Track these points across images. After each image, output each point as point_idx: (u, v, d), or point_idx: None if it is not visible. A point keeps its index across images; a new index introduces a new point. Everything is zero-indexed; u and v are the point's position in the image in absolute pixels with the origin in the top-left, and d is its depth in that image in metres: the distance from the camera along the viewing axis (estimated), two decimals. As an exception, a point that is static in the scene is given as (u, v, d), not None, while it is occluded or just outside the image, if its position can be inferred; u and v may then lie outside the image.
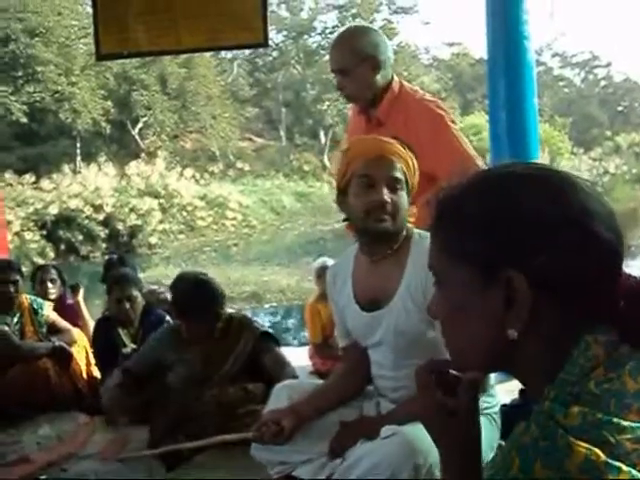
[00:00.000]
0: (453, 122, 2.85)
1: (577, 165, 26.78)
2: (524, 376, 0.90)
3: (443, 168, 2.68)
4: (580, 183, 0.88)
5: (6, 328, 3.57)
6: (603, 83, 48.11)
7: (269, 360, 2.98)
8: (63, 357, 3.60)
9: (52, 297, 4.38)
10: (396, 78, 2.90)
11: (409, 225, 2.20)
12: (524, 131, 3.99)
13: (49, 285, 4.44)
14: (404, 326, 2.12)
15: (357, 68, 2.78)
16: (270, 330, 3.21)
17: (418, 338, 2.10)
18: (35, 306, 3.78)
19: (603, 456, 0.71)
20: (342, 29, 3.03)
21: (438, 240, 0.92)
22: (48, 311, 3.84)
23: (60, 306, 4.24)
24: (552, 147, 23.98)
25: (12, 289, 3.65)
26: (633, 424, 0.73)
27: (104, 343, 3.60)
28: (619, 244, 0.86)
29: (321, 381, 2.73)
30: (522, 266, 0.82)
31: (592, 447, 0.71)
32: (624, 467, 0.70)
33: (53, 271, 4.58)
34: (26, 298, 3.79)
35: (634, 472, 0.70)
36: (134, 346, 3.49)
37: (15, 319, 3.70)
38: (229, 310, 3.18)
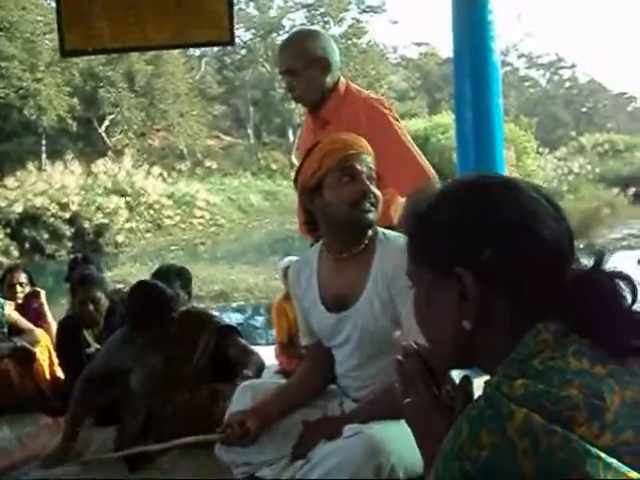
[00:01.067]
0: (397, 120, 2.87)
1: (542, 164, 27.05)
2: (485, 365, 0.97)
3: (388, 167, 2.71)
4: (526, 187, 0.97)
5: None
6: (568, 84, 48.79)
7: (234, 351, 2.95)
8: (25, 357, 3.55)
9: (19, 300, 4.33)
10: (342, 79, 2.93)
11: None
12: (490, 130, 4.03)
13: (18, 288, 4.39)
14: (371, 325, 2.13)
15: (307, 69, 2.81)
16: (229, 323, 3.18)
17: (384, 337, 2.11)
18: None
19: (541, 420, 0.77)
20: (291, 32, 3.06)
21: (408, 248, 1.05)
22: (9, 311, 3.78)
23: (26, 309, 4.18)
24: (518, 146, 24.17)
25: None
26: (571, 394, 0.80)
27: (68, 343, 3.55)
28: (565, 243, 0.94)
29: (284, 380, 2.73)
30: (470, 265, 0.93)
31: (531, 412, 0.78)
32: (559, 430, 0.77)
33: (22, 274, 4.52)
34: None
35: (570, 435, 0.76)
36: (98, 346, 3.45)
37: None
38: (184, 307, 3.15)
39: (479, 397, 0.86)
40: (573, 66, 49.96)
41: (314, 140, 2.86)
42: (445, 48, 40.95)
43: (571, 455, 0.75)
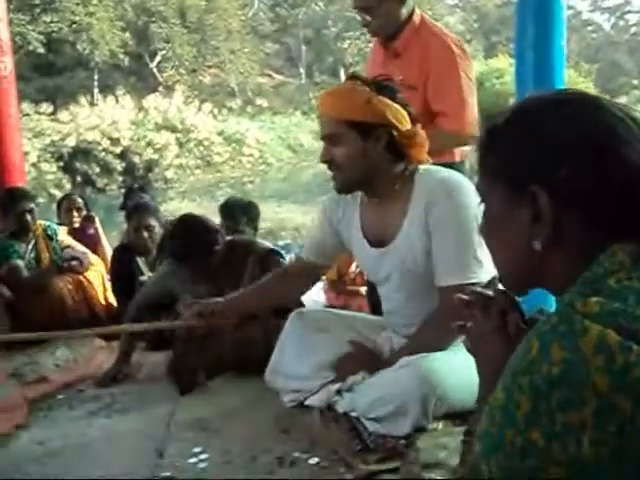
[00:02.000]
0: (466, 61, 2.82)
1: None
2: (553, 287, 0.95)
3: (442, 105, 2.72)
4: (611, 106, 0.93)
5: (19, 262, 3.60)
6: (634, 30, 46.85)
7: None
8: (75, 275, 3.66)
9: (76, 225, 4.43)
10: (417, 11, 2.88)
11: (422, 159, 2.16)
12: (550, 73, 3.90)
13: (74, 214, 4.49)
14: (410, 262, 2.13)
15: (382, 4, 2.77)
16: (274, 247, 3.18)
17: (426, 274, 2.12)
18: (49, 232, 3.80)
19: (617, 336, 0.76)
20: None
21: (480, 164, 1.01)
22: (63, 236, 3.86)
23: (81, 235, 4.28)
24: (576, 94, 23.50)
25: (29, 217, 3.67)
26: None
27: (122, 271, 3.63)
28: None
29: (339, 310, 2.77)
30: (545, 183, 0.90)
31: (606, 329, 0.76)
32: (635, 347, 0.75)
33: (79, 200, 4.62)
34: (40, 224, 3.81)
35: None
36: (151, 274, 3.53)
37: (30, 246, 3.73)
38: (229, 237, 3.18)
39: (551, 313, 0.84)
40: None
41: (383, 72, 2.84)
42: (505, -11, 39.59)
43: None
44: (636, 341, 0.75)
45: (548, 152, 0.91)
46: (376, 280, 2.37)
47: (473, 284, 1.97)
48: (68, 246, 3.84)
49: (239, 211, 3.87)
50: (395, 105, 2.08)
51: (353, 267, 3.99)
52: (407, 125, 2.09)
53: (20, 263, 3.62)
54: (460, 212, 2.03)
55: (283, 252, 3.21)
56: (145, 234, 3.55)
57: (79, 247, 3.90)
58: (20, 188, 3.99)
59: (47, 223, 3.89)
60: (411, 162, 2.14)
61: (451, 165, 2.70)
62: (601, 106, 0.93)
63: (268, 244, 3.24)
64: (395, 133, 2.07)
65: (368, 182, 2.14)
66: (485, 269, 2.00)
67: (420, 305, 2.18)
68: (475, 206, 2.04)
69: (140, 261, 3.59)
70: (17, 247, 3.68)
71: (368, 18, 2.81)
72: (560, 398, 0.75)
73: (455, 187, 2.08)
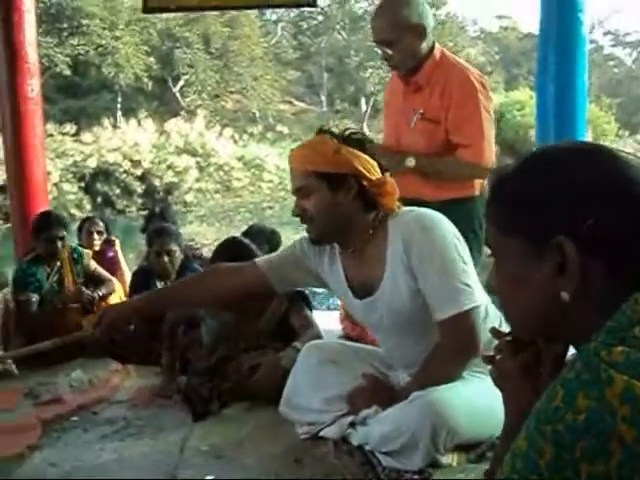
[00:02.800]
0: (487, 98, 2.84)
1: (622, 147, 26.18)
2: (577, 338, 0.93)
3: (461, 137, 2.75)
4: (623, 155, 0.94)
5: (32, 295, 3.61)
6: (655, 64, 46.83)
7: (297, 320, 2.98)
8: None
9: (96, 248, 4.46)
10: (437, 45, 2.91)
11: (394, 207, 2.16)
12: (572, 107, 3.91)
13: (95, 237, 4.51)
14: (398, 306, 2.14)
15: (403, 38, 2.78)
16: (302, 290, 3.21)
17: (417, 316, 2.13)
18: (75, 255, 3.81)
19: None
20: None
21: (492, 217, 1.00)
22: (88, 261, 3.86)
23: (101, 258, 4.30)
24: (597, 128, 23.48)
25: (59, 244, 3.70)
26: None
27: (140, 293, 3.63)
28: None
29: (353, 343, 2.75)
30: (571, 233, 0.89)
31: (632, 380, 0.76)
32: None
33: (100, 223, 4.65)
34: (66, 247, 3.82)
35: None
36: None
37: (55, 269, 3.75)
38: None
39: (575, 361, 0.84)
40: (661, 46, 47.85)
41: (404, 105, 2.86)
42: (526, 22, 39.88)
43: None
44: None
45: (572, 202, 0.90)
46: (369, 327, 2.40)
47: (470, 309, 2.01)
48: (93, 271, 3.85)
49: (262, 239, 3.86)
50: (364, 155, 2.11)
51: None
52: (377, 174, 2.12)
53: (33, 297, 3.62)
54: (438, 244, 2.06)
55: (307, 296, 3.18)
56: (166, 259, 3.56)
57: (102, 273, 3.90)
58: (54, 213, 3.99)
59: (73, 246, 3.89)
60: (382, 210, 2.16)
61: (471, 198, 2.71)
62: (616, 154, 0.94)
63: None
64: (365, 182, 2.10)
65: (341, 232, 2.16)
66: (476, 292, 2.03)
67: (417, 343, 2.19)
68: (452, 234, 2.07)
69: (159, 284, 3.60)
70: (39, 274, 3.68)
71: (389, 52, 2.83)
72: (585, 448, 0.74)
73: (428, 221, 2.10)
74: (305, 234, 2.30)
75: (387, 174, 2.17)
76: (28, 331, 3.48)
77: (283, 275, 2.36)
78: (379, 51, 2.89)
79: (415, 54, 2.82)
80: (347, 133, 2.15)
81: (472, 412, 1.93)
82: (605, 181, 0.90)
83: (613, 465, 0.73)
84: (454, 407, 1.97)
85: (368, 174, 2.10)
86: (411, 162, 2.80)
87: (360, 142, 2.14)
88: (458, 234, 2.12)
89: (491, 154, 2.82)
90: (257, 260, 2.42)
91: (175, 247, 3.59)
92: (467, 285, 2.04)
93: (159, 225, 3.94)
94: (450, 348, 2.05)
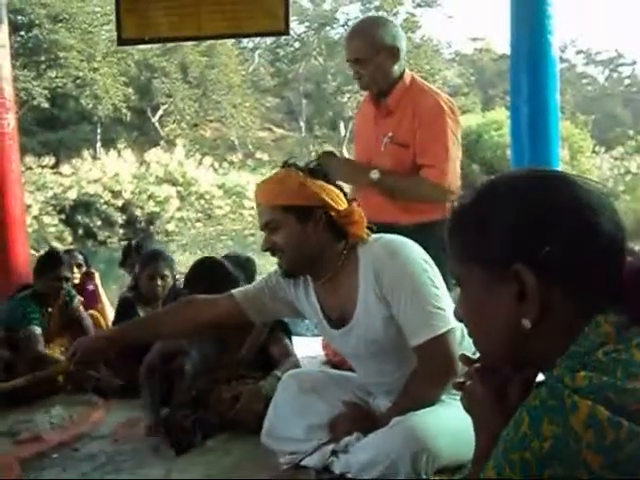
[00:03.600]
0: (454, 121, 2.86)
1: (598, 163, 26.55)
2: (542, 363, 0.94)
3: (426, 158, 2.77)
4: (580, 181, 0.95)
5: (37, 329, 3.55)
6: (627, 82, 47.56)
7: (276, 350, 2.98)
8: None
9: (76, 282, 4.41)
10: (408, 70, 2.96)
11: (363, 235, 2.17)
12: (545, 126, 3.96)
13: (75, 270, 4.46)
14: (372, 335, 2.14)
15: (376, 58, 2.83)
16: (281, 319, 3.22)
17: (393, 344, 2.13)
18: (67, 298, 3.77)
19: (606, 412, 0.75)
20: (358, 19, 3.06)
21: (453, 247, 1.01)
22: (77, 305, 3.80)
23: (82, 291, 4.26)
24: (573, 145, 23.74)
25: (64, 284, 3.66)
26: (637, 387, 0.78)
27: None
28: (619, 235, 0.92)
29: (333, 370, 2.74)
30: (529, 260, 0.90)
31: (596, 405, 0.76)
32: (625, 423, 0.75)
33: (79, 256, 4.60)
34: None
35: (636, 428, 0.74)
36: None
37: (49, 310, 3.70)
38: None
39: (540, 388, 0.84)
40: (633, 63, 48.95)
41: (375, 129, 2.89)
42: (500, 44, 40.45)
43: (638, 449, 0.73)
44: (626, 416, 0.75)
45: (528, 230, 0.91)
46: (346, 356, 2.40)
47: (445, 333, 2.02)
48: (79, 315, 3.79)
49: (238, 267, 3.85)
50: (329, 186, 2.12)
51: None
52: (343, 204, 2.13)
53: (38, 331, 3.55)
54: (408, 269, 2.06)
55: (288, 326, 3.19)
56: (159, 282, 3.54)
57: (87, 320, 3.84)
58: (61, 253, 3.94)
59: (68, 289, 3.80)
60: (352, 239, 2.16)
61: (442, 221, 2.69)
62: (570, 180, 0.94)
63: None
64: (333, 213, 2.11)
65: (313, 263, 2.17)
66: (449, 314, 2.02)
67: (394, 370, 2.19)
68: (421, 259, 2.07)
69: (143, 313, 3.55)
70: (37, 312, 3.62)
71: (361, 71, 2.86)
72: (552, 476, 0.74)
73: (396, 247, 2.11)
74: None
75: (354, 203, 2.18)
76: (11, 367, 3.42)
77: (259, 306, 2.35)
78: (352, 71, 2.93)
79: (386, 75, 2.86)
80: (311, 165, 2.17)
81: (452, 435, 1.92)
82: (561, 208, 0.91)
83: None
84: (434, 431, 1.96)
85: (335, 205, 2.11)
86: (375, 174, 2.81)
87: (325, 173, 2.15)
88: (428, 258, 2.13)
89: (455, 177, 2.83)
90: (234, 292, 2.40)
91: (168, 272, 3.58)
92: (440, 309, 2.05)
93: (153, 249, 3.95)
94: (428, 372, 2.05)
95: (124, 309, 3.65)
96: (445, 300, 2.08)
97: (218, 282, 2.93)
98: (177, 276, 3.73)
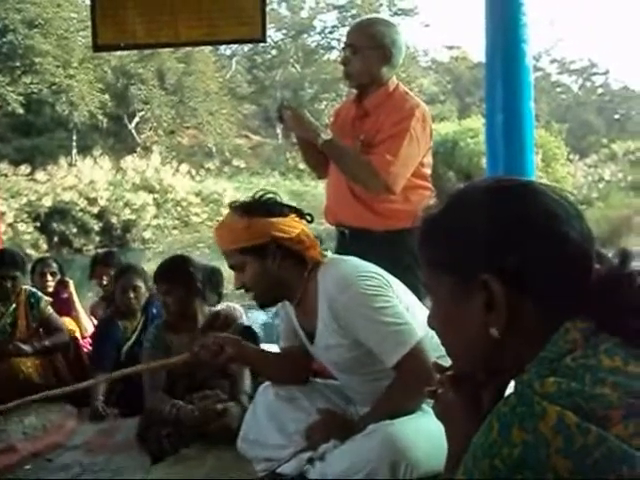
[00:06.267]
0: (422, 128, 2.84)
1: (572, 171, 26.84)
2: (512, 370, 0.94)
3: (376, 148, 2.79)
4: (547, 190, 0.95)
5: None
6: (600, 90, 48.15)
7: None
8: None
9: (50, 290, 4.36)
10: (395, 79, 2.98)
11: (319, 258, 2.21)
12: (520, 134, 3.98)
13: (49, 278, 4.42)
14: (334, 357, 2.21)
15: (368, 50, 2.87)
16: (250, 325, 3.30)
17: (357, 361, 2.16)
18: (32, 300, 3.73)
19: (575, 418, 0.76)
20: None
21: (422, 258, 1.02)
22: (45, 306, 3.78)
23: (56, 299, 4.22)
24: (547, 152, 23.96)
25: (10, 284, 3.62)
26: (605, 392, 0.79)
27: (106, 347, 3.51)
28: (587, 244, 0.93)
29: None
30: (496, 269, 0.90)
31: (565, 410, 0.76)
32: (594, 428, 0.75)
33: (54, 264, 4.56)
34: (24, 290, 3.75)
35: (605, 434, 0.75)
36: (132, 342, 3.48)
37: (10, 310, 3.67)
38: (214, 308, 3.25)
39: (510, 394, 0.84)
40: (606, 72, 49.59)
41: (351, 131, 2.89)
42: (476, 52, 40.73)
43: (606, 454, 0.74)
44: (594, 421, 0.76)
45: (495, 240, 0.91)
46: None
47: (415, 344, 2.03)
48: (48, 317, 3.76)
49: (203, 278, 3.84)
50: (274, 219, 2.17)
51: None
52: (295, 229, 2.18)
53: None
54: (360, 300, 2.07)
55: (261, 316, 3.27)
56: (132, 294, 3.53)
57: (57, 321, 3.81)
58: (9, 252, 3.89)
59: (32, 291, 3.82)
60: (310, 263, 2.21)
61: (408, 230, 2.63)
62: (537, 190, 0.95)
63: (245, 322, 3.34)
64: (287, 243, 2.17)
65: (282, 292, 2.24)
66: (413, 325, 2.04)
67: (370, 383, 2.20)
68: (370, 284, 2.06)
69: (124, 325, 3.53)
70: None
71: (350, 58, 2.88)
72: None
73: (345, 280, 2.11)
74: None
75: (303, 222, 2.23)
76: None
77: (296, 334, 2.40)
78: (343, 55, 2.95)
79: (372, 72, 2.88)
80: (251, 204, 2.23)
81: (431, 443, 1.90)
82: (528, 217, 0.92)
83: None
84: (412, 440, 1.95)
85: (286, 234, 2.16)
86: (327, 135, 2.82)
87: (267, 206, 2.20)
88: (381, 273, 2.13)
89: (399, 177, 2.78)
90: (285, 344, 2.46)
91: (140, 283, 3.56)
92: (403, 324, 2.05)
93: (124, 263, 3.95)
94: (406, 382, 2.05)
95: (104, 326, 3.62)
96: (408, 313, 2.09)
97: (182, 276, 3.06)
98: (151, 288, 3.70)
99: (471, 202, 0.97)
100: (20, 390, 3.32)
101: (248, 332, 3.11)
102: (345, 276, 2.12)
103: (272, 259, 2.16)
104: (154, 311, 3.56)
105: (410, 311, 2.10)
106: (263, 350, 2.61)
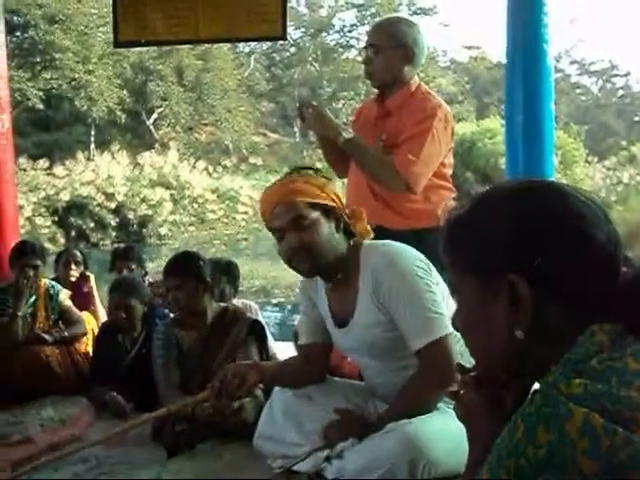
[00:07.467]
0: (443, 129, 2.84)
1: (591, 173, 26.69)
2: (537, 372, 0.93)
3: (398, 149, 2.79)
4: (574, 191, 0.95)
5: (19, 315, 3.58)
6: (621, 92, 47.81)
7: (254, 350, 3.00)
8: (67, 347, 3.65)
9: (72, 279, 4.41)
10: (417, 79, 2.97)
11: (366, 233, 2.25)
12: (540, 135, 3.97)
13: (73, 267, 4.46)
14: (370, 337, 2.18)
15: (390, 50, 2.87)
16: (261, 320, 3.27)
17: (387, 344, 2.16)
18: (52, 292, 3.78)
19: (601, 420, 0.75)
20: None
21: (447, 258, 1.01)
22: (64, 298, 3.83)
23: (76, 293, 4.26)
24: (566, 154, 23.81)
25: (32, 273, 3.67)
26: (631, 395, 0.78)
27: (104, 355, 3.47)
28: (614, 246, 0.92)
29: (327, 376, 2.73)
30: (522, 270, 0.90)
31: (591, 412, 0.76)
32: (620, 430, 0.75)
33: (78, 254, 4.60)
34: (44, 282, 3.81)
35: (631, 436, 0.74)
36: (134, 352, 3.42)
37: (31, 301, 3.71)
38: (223, 304, 3.24)
39: (534, 395, 0.84)
40: (627, 74, 49.25)
41: (373, 131, 2.89)
42: (496, 52, 40.60)
43: (633, 456, 0.73)
44: (620, 423, 0.75)
45: (522, 241, 0.91)
46: (349, 356, 2.46)
47: (443, 337, 2.04)
48: (67, 308, 3.81)
49: (219, 272, 3.85)
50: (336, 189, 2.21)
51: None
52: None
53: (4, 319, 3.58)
54: (406, 278, 2.09)
55: (276, 312, 3.26)
56: (122, 314, 3.41)
57: (75, 313, 3.85)
58: (30, 243, 3.96)
59: (51, 283, 3.88)
60: (356, 239, 2.23)
61: (430, 229, 2.61)
62: (564, 191, 0.95)
63: (253, 315, 3.33)
64: (343, 213, 2.19)
65: (331, 263, 2.19)
66: (446, 318, 2.04)
67: (395, 372, 2.21)
68: (417, 267, 2.08)
69: (123, 339, 3.45)
70: (9, 302, 3.65)
71: (372, 57, 2.89)
72: None
73: (394, 257, 2.14)
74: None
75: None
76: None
77: (321, 326, 2.40)
78: (364, 55, 2.96)
79: (394, 71, 2.88)
80: (319, 169, 2.25)
81: (450, 443, 1.90)
82: (556, 218, 0.91)
83: None
84: (432, 440, 1.95)
85: (342, 205, 2.20)
86: (349, 134, 2.82)
87: (327, 177, 2.22)
88: (425, 264, 2.15)
89: (419, 176, 2.77)
90: (303, 343, 2.47)
91: (133, 302, 3.41)
92: (438, 313, 2.07)
93: (118, 277, 3.89)
94: (426, 376, 2.06)
95: (101, 342, 3.56)
96: (443, 305, 2.09)
97: (192, 271, 3.03)
98: (150, 299, 3.65)
99: (497, 202, 0.97)
100: (40, 378, 3.39)
101: (256, 326, 3.09)
102: (395, 253, 2.13)
103: (335, 223, 2.16)
104: (157, 322, 3.40)
105: (444, 302, 2.11)
106: (280, 363, 2.58)
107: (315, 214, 2.13)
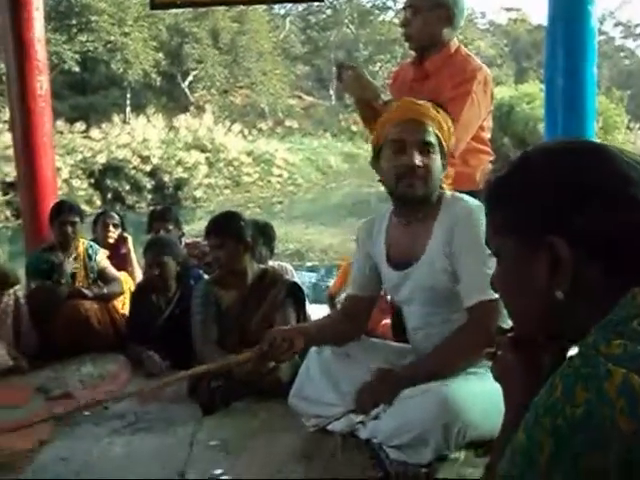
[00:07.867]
0: (483, 92, 2.80)
1: (633, 139, 26.14)
2: (576, 334, 0.92)
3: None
4: (619, 153, 0.93)
5: (47, 283, 3.67)
6: (666, 56, 46.48)
7: (292, 312, 3.04)
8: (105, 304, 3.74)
9: (111, 241, 4.48)
10: (456, 41, 2.92)
11: (444, 187, 2.27)
12: (581, 100, 3.88)
13: (111, 229, 4.54)
14: (430, 282, 2.19)
15: (430, 11, 2.82)
16: (299, 282, 3.33)
17: (446, 294, 2.18)
18: (90, 252, 3.89)
19: None
20: None
21: (490, 218, 1.02)
22: (102, 258, 3.93)
23: (114, 254, 4.33)
24: (607, 120, 23.31)
25: (69, 229, 3.76)
26: None
27: (138, 317, 3.56)
28: None
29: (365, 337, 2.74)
30: (562, 231, 0.89)
31: (630, 372, 0.76)
32: None
33: (116, 217, 4.67)
34: (82, 242, 3.91)
35: None
36: (169, 312, 3.48)
37: (70, 259, 3.81)
38: (262, 266, 3.30)
39: (573, 355, 0.84)
40: (673, 37, 47.43)
41: (410, 94, 2.86)
42: (536, 14, 39.73)
43: None
44: None
45: (563, 201, 0.90)
46: (398, 300, 2.42)
47: (496, 299, 2.00)
48: (105, 268, 3.90)
49: (256, 233, 3.87)
50: None
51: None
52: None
53: (47, 283, 3.68)
54: (478, 237, 2.07)
55: (310, 276, 3.29)
56: (157, 271, 3.49)
57: (113, 272, 3.94)
58: (67, 202, 4.06)
59: (90, 243, 3.99)
60: (444, 185, 2.28)
61: (470, 193, 2.62)
62: (609, 152, 0.93)
63: (291, 278, 3.39)
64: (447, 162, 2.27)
65: (429, 197, 2.23)
66: None
67: (442, 326, 2.21)
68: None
69: (157, 299, 3.52)
70: (54, 259, 3.75)
71: (411, 19, 2.85)
72: (583, 441, 0.74)
73: (476, 213, 2.14)
74: (358, 224, 2.50)
75: None
76: (42, 321, 3.52)
77: (372, 280, 2.45)
78: (402, 16, 2.94)
79: (433, 33, 2.83)
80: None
81: (485, 409, 1.90)
82: (597, 179, 0.90)
83: (611, 457, 0.72)
84: (468, 403, 1.96)
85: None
86: (388, 96, 2.87)
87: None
88: None
89: (458, 139, 2.68)
90: (354, 291, 2.50)
91: (167, 259, 3.48)
92: None
93: (153, 237, 3.95)
94: (471, 332, 2.08)
95: (136, 300, 3.65)
96: None
97: (233, 231, 3.08)
98: (204, 246, 3.71)
99: (539, 163, 0.95)
100: (80, 333, 3.49)
101: (295, 288, 3.14)
102: (476, 211, 2.14)
103: (444, 160, 2.24)
104: (191, 282, 3.48)
105: None
106: (319, 324, 2.58)
107: (438, 148, 2.21)
